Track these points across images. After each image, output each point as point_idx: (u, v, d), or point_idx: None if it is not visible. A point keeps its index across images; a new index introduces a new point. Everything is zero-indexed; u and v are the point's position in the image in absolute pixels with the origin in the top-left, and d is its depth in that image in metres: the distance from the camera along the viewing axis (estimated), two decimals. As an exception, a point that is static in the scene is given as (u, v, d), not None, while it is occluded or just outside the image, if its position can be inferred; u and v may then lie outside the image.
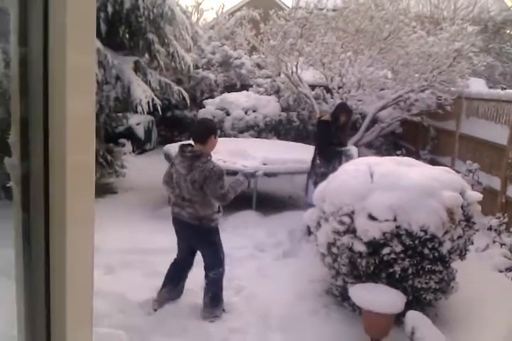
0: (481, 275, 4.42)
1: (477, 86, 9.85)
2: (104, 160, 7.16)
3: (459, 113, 8.42)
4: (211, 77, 11.99)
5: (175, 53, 7.82)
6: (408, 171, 3.86)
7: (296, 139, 9.92)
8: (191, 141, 3.77)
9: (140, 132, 10.90)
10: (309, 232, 5.12)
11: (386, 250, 3.59)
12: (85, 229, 0.96)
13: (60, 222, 0.92)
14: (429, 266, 3.63)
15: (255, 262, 4.96)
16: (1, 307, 1.40)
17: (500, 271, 4.25)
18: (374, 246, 3.64)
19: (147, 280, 4.28)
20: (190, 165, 3.60)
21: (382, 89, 9.65)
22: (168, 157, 6.86)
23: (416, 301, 3.74)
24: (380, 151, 10.26)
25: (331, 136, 5.89)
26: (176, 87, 8.29)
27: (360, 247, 3.66)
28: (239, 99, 9.83)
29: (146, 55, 7.64)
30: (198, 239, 3.84)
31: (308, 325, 3.77)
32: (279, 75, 10.98)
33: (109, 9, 6.59)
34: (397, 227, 3.57)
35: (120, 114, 8.28)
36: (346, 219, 3.75)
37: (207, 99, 10.78)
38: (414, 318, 3.31)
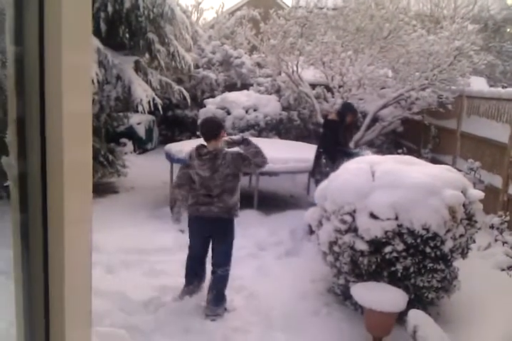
0: (483, 273, 4.40)
1: (478, 84, 9.83)
2: (105, 160, 7.17)
3: (460, 111, 8.39)
4: (212, 77, 11.99)
5: (175, 53, 7.82)
6: (409, 170, 3.86)
7: (297, 138, 9.91)
8: (203, 142, 3.81)
9: (141, 132, 10.91)
10: (311, 231, 5.11)
11: (388, 249, 3.58)
12: (83, 227, 0.95)
13: (58, 220, 0.92)
14: (431, 265, 3.62)
15: (257, 261, 4.95)
16: (0, 307, 1.40)
17: (503, 270, 4.23)
18: (376, 245, 3.63)
19: (149, 280, 4.29)
20: (212, 166, 3.71)
21: (382, 88, 9.62)
22: (169, 156, 6.86)
23: (418, 300, 3.74)
24: (381, 150, 10.23)
25: (338, 135, 5.87)
26: (176, 87, 8.30)
27: (361, 246, 3.66)
28: (239, 99, 9.81)
29: (147, 55, 7.65)
30: (221, 232, 3.89)
31: (309, 323, 3.76)
32: (280, 74, 10.96)
33: (109, 9, 6.61)
34: (399, 226, 3.56)
35: (121, 114, 8.30)
36: (348, 218, 3.74)
37: (207, 98, 10.77)
38: (417, 317, 3.30)
